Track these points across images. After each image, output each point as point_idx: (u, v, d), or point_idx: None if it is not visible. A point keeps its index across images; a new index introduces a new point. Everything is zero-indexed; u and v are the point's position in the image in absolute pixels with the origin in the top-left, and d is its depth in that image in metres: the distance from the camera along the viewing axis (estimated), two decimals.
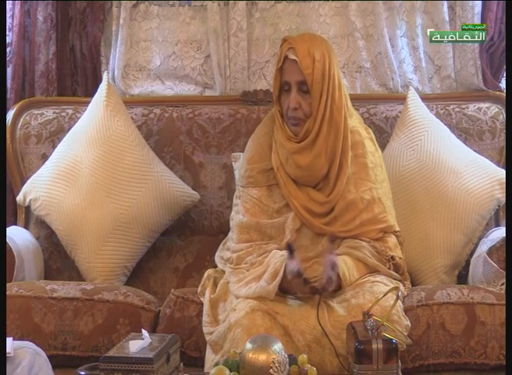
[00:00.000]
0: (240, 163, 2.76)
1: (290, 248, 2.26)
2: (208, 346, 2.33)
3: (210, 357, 2.30)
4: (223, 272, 2.51)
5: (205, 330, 2.36)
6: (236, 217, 2.55)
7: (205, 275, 2.56)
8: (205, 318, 2.39)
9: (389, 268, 2.42)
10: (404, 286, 2.47)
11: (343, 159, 2.48)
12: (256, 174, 2.54)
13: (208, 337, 2.33)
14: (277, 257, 2.34)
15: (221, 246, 2.64)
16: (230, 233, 2.59)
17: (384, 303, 2.19)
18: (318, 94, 2.43)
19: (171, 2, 3.30)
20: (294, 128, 2.47)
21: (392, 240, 2.49)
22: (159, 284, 2.96)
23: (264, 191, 2.53)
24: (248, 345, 1.93)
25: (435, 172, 2.81)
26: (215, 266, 2.61)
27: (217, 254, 2.64)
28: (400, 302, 2.30)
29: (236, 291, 2.34)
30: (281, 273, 2.26)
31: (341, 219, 2.46)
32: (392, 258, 2.44)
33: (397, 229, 2.53)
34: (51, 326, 2.50)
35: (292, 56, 2.43)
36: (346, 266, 2.33)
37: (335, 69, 2.46)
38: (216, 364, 2.05)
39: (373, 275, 2.37)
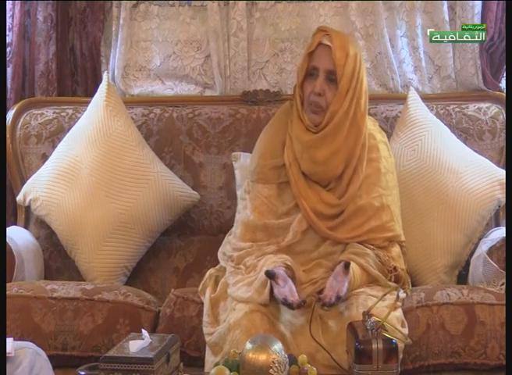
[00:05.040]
0: (249, 157, 2.70)
1: (269, 275, 2.23)
2: (207, 347, 2.33)
3: (209, 359, 2.29)
4: (225, 269, 2.49)
5: (205, 330, 2.36)
6: (243, 212, 2.52)
7: (207, 274, 2.56)
8: (205, 318, 2.38)
9: (389, 279, 2.39)
10: (404, 290, 2.44)
11: (359, 164, 2.47)
12: (267, 171, 2.51)
13: (207, 338, 2.33)
14: (268, 264, 2.32)
15: (225, 240, 2.63)
16: (234, 228, 2.57)
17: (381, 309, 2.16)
18: (345, 88, 2.40)
19: (171, 2, 3.30)
20: (313, 116, 2.44)
21: (395, 250, 2.47)
22: (159, 284, 2.95)
23: (275, 190, 2.50)
24: (248, 345, 1.92)
25: (435, 172, 2.81)
26: (216, 266, 2.61)
27: (220, 249, 2.62)
28: (398, 313, 2.30)
29: (233, 294, 2.34)
30: (267, 289, 2.24)
31: (349, 223, 2.44)
32: (395, 269, 2.41)
33: (403, 239, 2.52)
34: (51, 326, 2.50)
35: (327, 42, 2.41)
36: (352, 271, 2.30)
37: (364, 76, 2.45)
38: (216, 364, 2.05)
39: (370, 287, 2.35)
